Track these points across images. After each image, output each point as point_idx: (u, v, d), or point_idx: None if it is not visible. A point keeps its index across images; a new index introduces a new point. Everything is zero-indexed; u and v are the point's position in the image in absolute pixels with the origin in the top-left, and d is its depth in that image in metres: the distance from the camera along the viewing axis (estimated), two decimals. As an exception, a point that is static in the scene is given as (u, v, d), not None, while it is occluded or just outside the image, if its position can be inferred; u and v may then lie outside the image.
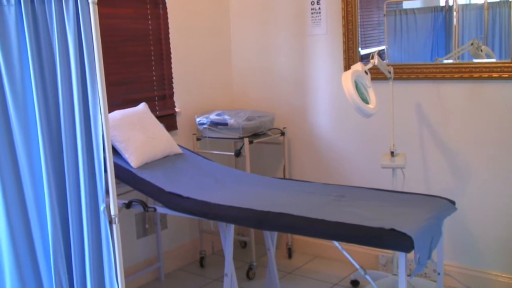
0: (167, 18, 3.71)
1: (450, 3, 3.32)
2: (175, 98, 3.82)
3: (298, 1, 3.79)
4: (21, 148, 2.31)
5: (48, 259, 2.39)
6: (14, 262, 2.33)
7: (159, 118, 3.52)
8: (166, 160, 3.20)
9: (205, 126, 3.73)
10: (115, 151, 2.97)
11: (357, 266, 2.61)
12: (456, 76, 3.23)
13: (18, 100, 2.28)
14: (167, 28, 3.72)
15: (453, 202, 2.73)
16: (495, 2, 3.18)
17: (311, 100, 3.86)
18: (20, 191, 2.34)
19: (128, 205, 2.82)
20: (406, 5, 3.58)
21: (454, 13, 3.29)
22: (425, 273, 3.44)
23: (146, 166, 3.05)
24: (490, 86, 3.15)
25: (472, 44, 3.23)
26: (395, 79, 3.25)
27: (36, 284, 2.41)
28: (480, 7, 3.21)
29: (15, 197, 2.33)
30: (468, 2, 3.30)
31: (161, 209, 2.83)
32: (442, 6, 3.39)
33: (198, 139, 3.84)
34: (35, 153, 2.33)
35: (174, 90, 3.81)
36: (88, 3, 2.16)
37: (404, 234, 2.24)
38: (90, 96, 2.25)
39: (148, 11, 3.61)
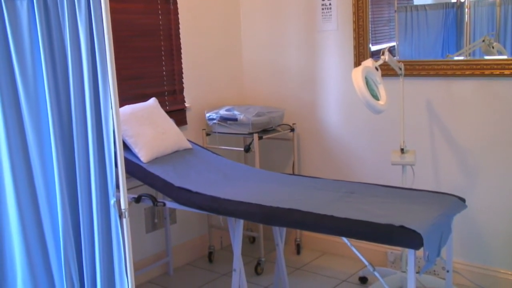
0: (177, 13, 3.71)
1: (462, 0, 3.30)
2: (185, 93, 3.82)
3: (308, -3, 3.79)
4: (33, 142, 2.32)
5: (59, 252, 2.41)
6: (25, 255, 2.35)
7: (169, 113, 3.53)
8: (176, 155, 3.21)
9: (214, 121, 3.73)
10: (125, 146, 2.98)
11: (366, 263, 2.61)
12: (467, 73, 3.22)
13: (30, 94, 2.29)
14: (178, 23, 3.72)
15: (463, 200, 2.72)
16: (508, -2, 3.17)
17: (321, 96, 3.86)
18: (31, 185, 2.35)
19: (138, 200, 2.83)
20: (417, 1, 3.57)
21: (466, 9, 3.27)
22: (434, 270, 3.43)
23: (156, 161, 3.06)
24: (502, 83, 3.13)
25: (483, 40, 3.21)
26: (405, 75, 3.24)
27: (46, 276, 2.42)
28: (492, 3, 3.19)
29: (26, 190, 2.34)
30: (480, -1, 3.29)
31: (170, 204, 2.84)
32: (454, 3, 3.37)
33: (207, 134, 3.85)
34: (47, 147, 2.34)
35: (184, 85, 3.81)
36: (100, -2, 2.17)
37: (413, 231, 2.24)
38: (101, 90, 2.26)
39: (159, 6, 3.61)
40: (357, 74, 2.88)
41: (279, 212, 2.54)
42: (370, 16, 3.53)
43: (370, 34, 3.55)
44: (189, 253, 3.93)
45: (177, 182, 2.85)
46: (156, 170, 2.95)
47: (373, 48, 3.58)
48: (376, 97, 2.94)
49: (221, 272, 3.74)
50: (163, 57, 3.67)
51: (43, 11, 2.25)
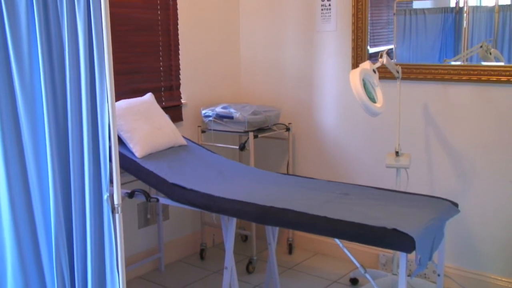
0: (176, 8, 3.70)
1: (461, 5, 3.30)
2: (181, 90, 3.82)
3: (308, -3, 3.79)
4: (27, 135, 2.30)
5: (50, 246, 2.40)
6: (16, 248, 2.34)
7: (165, 109, 3.52)
8: (171, 151, 3.20)
9: (210, 118, 3.73)
10: (120, 141, 2.97)
11: (357, 265, 2.61)
12: (464, 78, 3.22)
13: (26, 87, 2.28)
14: (176, 18, 3.71)
15: (456, 205, 2.73)
16: (506, 5, 3.17)
17: (318, 96, 3.86)
18: (24, 178, 2.34)
19: (131, 195, 2.83)
20: (416, 5, 3.57)
21: (465, 14, 3.27)
22: (425, 274, 3.44)
23: (150, 156, 3.05)
24: (498, 89, 3.14)
25: (481, 46, 3.22)
26: (402, 79, 3.24)
27: (37, 269, 2.41)
28: (491, 9, 3.20)
29: (19, 183, 2.32)
30: (479, 4, 3.29)
31: (163, 200, 2.83)
32: (453, 7, 3.37)
33: (203, 132, 3.84)
34: (41, 140, 2.33)
35: (181, 81, 3.80)
36: (99, -9, 2.15)
37: (406, 234, 2.24)
38: (98, 84, 2.25)
39: (158, 1, 3.60)
40: (355, 76, 2.88)
41: (272, 212, 2.54)
42: (369, 18, 3.54)
43: (368, 36, 3.55)
44: (181, 249, 3.93)
45: (171, 179, 2.85)
46: (150, 166, 2.94)
47: (371, 50, 3.58)
48: (373, 99, 2.95)
49: (213, 270, 3.73)
50: (160, 53, 3.66)
51: (41, 4, 2.23)
